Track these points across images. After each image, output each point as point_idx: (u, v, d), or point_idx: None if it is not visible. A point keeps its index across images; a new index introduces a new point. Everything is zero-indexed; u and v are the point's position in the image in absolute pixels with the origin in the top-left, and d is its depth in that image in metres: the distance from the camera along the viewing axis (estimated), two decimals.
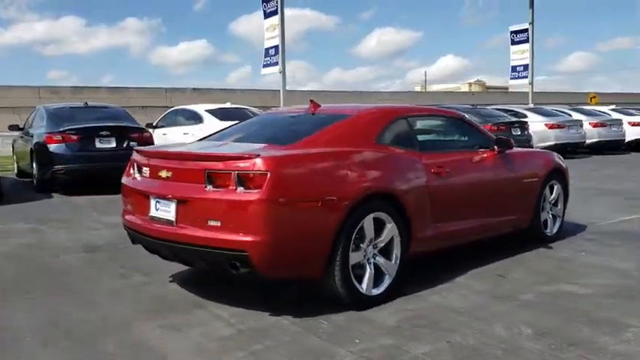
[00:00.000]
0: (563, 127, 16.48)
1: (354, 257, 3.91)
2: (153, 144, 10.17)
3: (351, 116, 4.46)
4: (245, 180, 3.58)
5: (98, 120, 10.09)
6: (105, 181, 9.61)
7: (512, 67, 25.71)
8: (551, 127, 16.20)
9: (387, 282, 4.12)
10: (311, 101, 4.89)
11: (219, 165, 3.69)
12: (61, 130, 9.56)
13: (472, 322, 3.72)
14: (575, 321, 3.74)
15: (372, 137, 4.34)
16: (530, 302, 4.13)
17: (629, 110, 21.07)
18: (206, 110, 11.66)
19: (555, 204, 6.14)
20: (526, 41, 25.08)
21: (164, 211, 3.94)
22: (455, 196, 4.72)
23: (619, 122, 18.78)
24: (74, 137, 9.48)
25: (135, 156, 4.46)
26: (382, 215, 4.06)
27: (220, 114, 11.49)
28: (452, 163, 4.78)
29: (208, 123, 11.27)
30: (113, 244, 6.10)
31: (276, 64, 17.53)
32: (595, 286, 4.50)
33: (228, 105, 12.55)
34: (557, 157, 6.25)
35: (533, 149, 6.30)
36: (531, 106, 18.61)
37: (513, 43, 25.65)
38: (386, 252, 4.15)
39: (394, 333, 3.56)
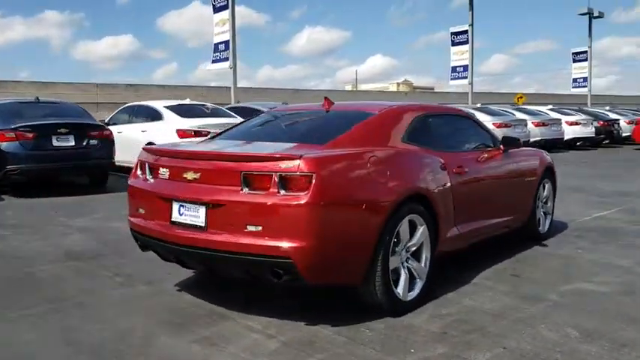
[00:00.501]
0: (509, 127, 17.00)
1: (392, 262, 3.76)
2: (114, 142, 9.60)
3: (376, 114, 4.30)
4: (288, 182, 3.34)
5: (52, 116, 9.35)
6: (62, 182, 8.99)
7: (452, 67, 26.48)
8: (499, 126, 16.66)
9: (419, 286, 4.00)
10: (325, 98, 4.69)
11: (258, 166, 3.43)
12: (13, 127, 8.80)
13: (516, 326, 3.65)
14: (615, 320, 3.75)
15: (399, 136, 4.21)
16: (559, 303, 4.12)
17: (566, 110, 22.05)
18: (165, 107, 11.13)
19: (546, 202, 6.23)
20: (466, 42, 25.87)
21: (191, 215, 3.63)
22: (472, 195, 4.67)
23: (559, 122, 19.61)
24: (29, 135, 8.75)
25: (144, 156, 4.11)
26: (415, 217, 3.93)
27: (180, 110, 11.01)
28: (469, 162, 4.73)
29: (169, 120, 10.77)
30: (95, 250, 5.66)
31: (227, 59, 17.12)
32: (610, 284, 4.56)
33: (187, 101, 12.06)
34: (548, 155, 6.35)
35: (528, 148, 6.35)
36: (478, 105, 19.08)
37: (453, 44, 26.39)
38: (416, 255, 4.03)
39: (445, 340, 3.43)
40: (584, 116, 21.11)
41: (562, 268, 5.06)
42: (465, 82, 25.89)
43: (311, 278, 3.40)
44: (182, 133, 10.24)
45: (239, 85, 18.59)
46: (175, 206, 3.72)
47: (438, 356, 3.21)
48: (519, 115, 18.68)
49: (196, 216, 3.60)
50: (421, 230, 3.99)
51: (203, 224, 3.57)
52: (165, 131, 10.41)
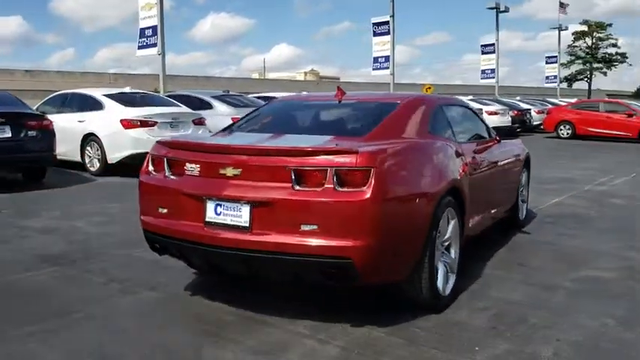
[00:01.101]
0: None
1: (436, 257, 3.67)
2: (55, 134, 8.79)
3: (400, 105, 4.15)
4: (345, 177, 3.15)
5: None
6: None
7: (374, 58, 26.75)
8: None
9: (452, 280, 3.94)
10: (338, 88, 4.49)
11: (312, 161, 3.20)
12: None
13: (555, 317, 3.67)
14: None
15: (426, 127, 4.12)
16: (578, 290, 4.20)
17: (484, 100, 22.99)
18: (105, 95, 10.36)
19: (523, 190, 6.41)
20: (387, 33, 26.21)
21: (232, 215, 3.34)
22: (481, 185, 4.67)
23: (480, 112, 20.33)
24: None
25: (161, 150, 3.74)
26: (449, 211, 3.86)
27: (123, 99, 10.31)
28: (478, 152, 4.73)
29: (111, 109, 10.05)
30: (69, 253, 5.13)
31: (155, 45, 16.26)
32: (613, 270, 4.73)
33: (128, 89, 11.31)
34: (523, 145, 6.53)
35: (511, 139, 6.49)
36: None
37: (375, 34, 26.65)
38: (448, 249, 3.96)
39: (500, 336, 3.38)
40: (501, 106, 22.12)
41: (558, 255, 5.19)
42: (387, 72, 26.31)
43: (366, 278, 3.24)
44: (127, 123, 9.61)
45: (140, 72, 17.68)
46: (210, 205, 3.41)
47: (505, 353, 3.16)
48: None
49: (238, 215, 3.32)
50: (452, 223, 3.93)
51: (247, 224, 3.29)
52: (109, 121, 9.73)
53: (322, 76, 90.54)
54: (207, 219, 3.42)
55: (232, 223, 3.33)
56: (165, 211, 3.62)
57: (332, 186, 3.14)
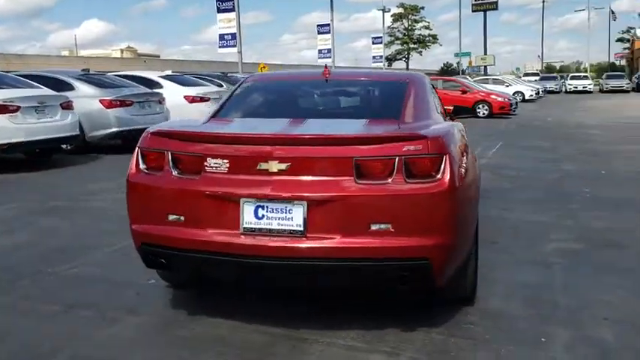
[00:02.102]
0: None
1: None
2: None
3: (410, 83, 3.81)
4: (414, 167, 2.77)
5: None
6: None
7: (219, 35, 25.73)
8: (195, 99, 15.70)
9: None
10: (325, 67, 4.03)
11: (376, 149, 2.76)
12: None
13: (579, 296, 3.68)
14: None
15: (435, 108, 3.85)
16: (569, 265, 4.27)
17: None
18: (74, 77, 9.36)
19: None
20: (232, 10, 25.37)
21: (279, 218, 2.77)
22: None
23: None
24: None
25: (162, 142, 3.00)
26: None
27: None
28: None
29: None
30: None
31: None
32: (575, 240, 4.93)
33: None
34: None
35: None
36: (169, 72, 15.98)
37: (219, 11, 25.64)
38: None
39: (549, 322, 3.27)
40: None
41: (517, 230, 5.29)
42: (234, 50, 25.54)
43: (440, 279, 2.91)
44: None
45: None
46: (248, 208, 2.80)
47: (573, 339, 3.06)
48: None
49: (287, 218, 2.77)
50: None
51: (300, 228, 2.76)
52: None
53: (140, 53, 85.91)
54: (244, 224, 2.81)
55: (280, 227, 2.78)
56: (177, 218, 2.92)
57: (402, 177, 2.74)
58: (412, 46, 67.01)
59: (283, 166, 2.76)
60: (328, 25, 37.98)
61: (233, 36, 25.48)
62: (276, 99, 3.98)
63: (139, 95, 10.80)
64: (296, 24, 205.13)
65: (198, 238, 2.87)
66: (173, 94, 12.44)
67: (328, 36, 38.02)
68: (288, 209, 2.77)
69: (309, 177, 2.77)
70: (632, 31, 75.93)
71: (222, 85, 14.84)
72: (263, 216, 2.80)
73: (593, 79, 49.67)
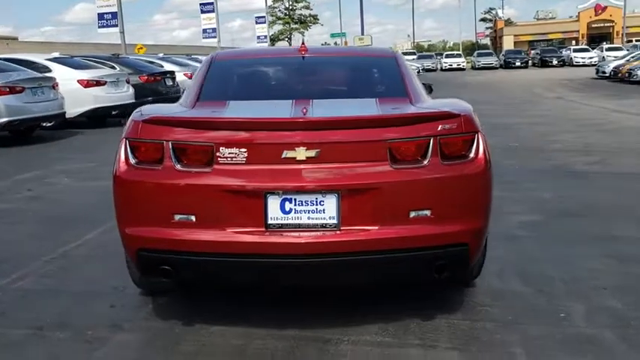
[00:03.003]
0: (157, 80, 14.41)
1: None
2: None
3: (398, 60, 3.59)
4: (449, 147, 2.61)
5: None
6: None
7: (98, 14, 24.04)
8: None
9: None
10: (303, 43, 3.73)
11: (411, 129, 2.55)
12: None
13: (567, 268, 3.74)
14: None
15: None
16: (541, 237, 4.35)
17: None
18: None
19: None
20: None
21: (309, 211, 2.49)
22: None
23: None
24: None
25: (157, 131, 2.58)
26: None
27: None
28: None
29: None
30: None
31: None
32: (532, 212, 5.04)
33: None
34: None
35: None
36: (56, 55, 14.19)
37: None
38: None
39: (557, 296, 3.30)
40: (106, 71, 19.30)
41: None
42: (116, 30, 23.89)
43: (472, 264, 2.78)
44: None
45: None
46: (273, 201, 2.49)
47: (588, 313, 3.08)
48: (169, 67, 16.37)
49: (319, 211, 2.50)
50: None
51: (334, 220, 2.50)
52: None
53: None
54: (270, 220, 2.50)
55: (311, 221, 2.50)
56: (186, 217, 2.53)
57: (437, 159, 2.57)
58: (294, 26, 66.98)
59: (312, 152, 2.47)
60: (212, 3, 36.79)
61: (114, 15, 23.86)
62: (263, 79, 3.63)
63: (30, 80, 9.67)
64: (167, 3, 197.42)
65: (214, 239, 2.51)
66: (65, 78, 11.29)
67: (212, 15, 36.88)
68: (319, 201, 2.50)
69: (341, 164, 2.51)
70: (494, 11, 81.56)
71: (115, 67, 13.78)
72: (291, 210, 2.50)
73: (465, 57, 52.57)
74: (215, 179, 2.51)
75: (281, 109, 2.85)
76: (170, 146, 2.55)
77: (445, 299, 3.22)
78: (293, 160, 2.48)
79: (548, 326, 2.92)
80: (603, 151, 8.03)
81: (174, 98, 9.32)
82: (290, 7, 66.91)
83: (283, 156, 2.48)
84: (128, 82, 12.77)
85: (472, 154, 2.64)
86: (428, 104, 2.99)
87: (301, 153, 2.47)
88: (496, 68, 45.58)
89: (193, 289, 3.37)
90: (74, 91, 11.30)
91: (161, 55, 22.68)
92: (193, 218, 2.53)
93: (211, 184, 2.51)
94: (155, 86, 14.21)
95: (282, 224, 2.51)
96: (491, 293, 3.34)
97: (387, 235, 2.52)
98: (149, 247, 2.60)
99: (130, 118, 2.72)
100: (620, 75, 23.64)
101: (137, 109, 2.84)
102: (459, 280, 3.20)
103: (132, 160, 2.61)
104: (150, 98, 12.17)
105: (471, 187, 2.63)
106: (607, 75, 25.53)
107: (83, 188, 6.45)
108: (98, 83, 11.80)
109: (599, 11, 62.94)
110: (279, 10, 66.58)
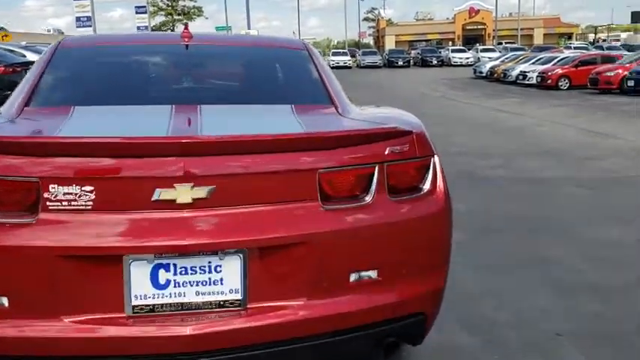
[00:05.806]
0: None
1: None
2: None
3: (310, 53, 2.74)
4: (396, 177, 1.84)
5: None
6: None
7: (76, 17, 28.62)
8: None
9: None
10: (186, 27, 2.76)
11: (350, 155, 1.73)
12: None
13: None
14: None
15: None
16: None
17: None
18: None
19: None
20: None
21: (198, 283, 1.61)
22: None
23: None
24: None
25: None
26: None
27: None
28: None
29: None
30: None
31: None
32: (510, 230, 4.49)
33: None
34: None
35: None
36: None
37: None
38: None
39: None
40: None
41: None
42: (90, 30, 25.62)
43: (428, 331, 2.03)
44: None
45: None
46: (140, 270, 1.58)
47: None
48: (32, 57, 14.71)
49: (215, 281, 1.63)
50: None
51: (239, 295, 1.64)
52: None
53: None
54: (135, 300, 1.59)
55: (201, 299, 1.63)
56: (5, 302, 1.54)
57: (385, 194, 1.78)
58: (177, 17, 64.19)
59: (202, 191, 1.58)
60: None
61: (88, 18, 22.54)
62: (128, 75, 2.58)
63: None
64: None
65: (41, 335, 1.54)
66: None
67: (87, 2, 34.03)
68: (214, 266, 1.62)
69: (247, 207, 1.64)
70: (376, 11, 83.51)
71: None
72: (169, 282, 1.60)
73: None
74: (41, 236, 1.55)
75: (153, 120, 1.93)
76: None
77: None
78: (171, 204, 1.58)
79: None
80: (501, 154, 7.96)
81: None
82: None
83: (155, 198, 1.57)
84: None
85: (428, 186, 1.89)
86: (362, 115, 2.19)
87: (184, 192, 1.57)
88: (380, 67, 46.33)
89: None
90: None
91: (24, 43, 20.35)
92: (5, 301, 1.55)
93: (35, 244, 1.54)
94: (15, 78, 12.46)
95: (154, 305, 1.61)
96: (433, 351, 2.63)
97: (317, 312, 1.70)
98: None
99: None
100: (495, 75, 25.45)
101: None
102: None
103: None
104: (8, 92, 10.49)
105: (428, 232, 1.88)
106: (484, 75, 27.17)
107: None
108: None
109: (473, 14, 66.19)
110: (161, 1, 63.53)
